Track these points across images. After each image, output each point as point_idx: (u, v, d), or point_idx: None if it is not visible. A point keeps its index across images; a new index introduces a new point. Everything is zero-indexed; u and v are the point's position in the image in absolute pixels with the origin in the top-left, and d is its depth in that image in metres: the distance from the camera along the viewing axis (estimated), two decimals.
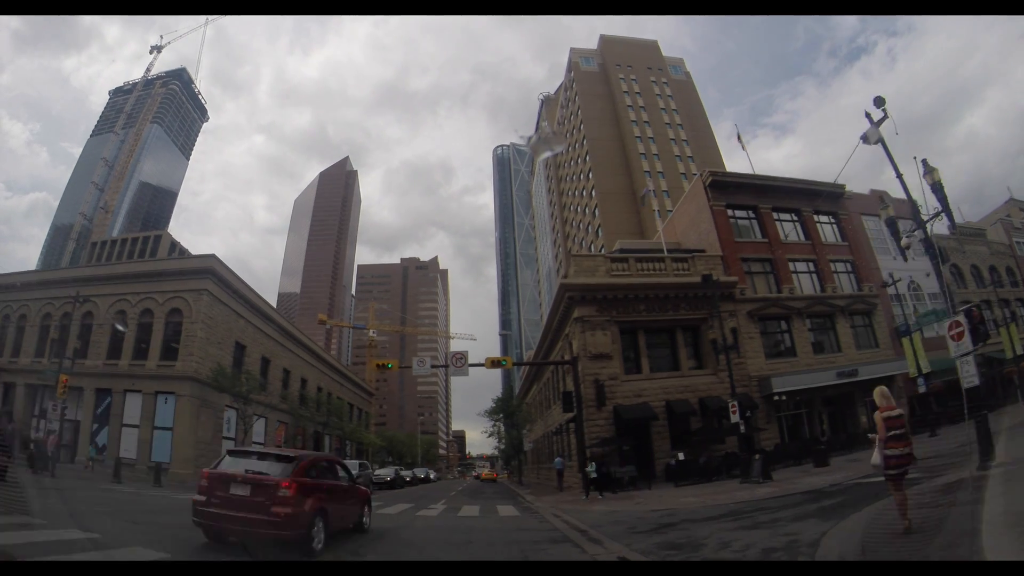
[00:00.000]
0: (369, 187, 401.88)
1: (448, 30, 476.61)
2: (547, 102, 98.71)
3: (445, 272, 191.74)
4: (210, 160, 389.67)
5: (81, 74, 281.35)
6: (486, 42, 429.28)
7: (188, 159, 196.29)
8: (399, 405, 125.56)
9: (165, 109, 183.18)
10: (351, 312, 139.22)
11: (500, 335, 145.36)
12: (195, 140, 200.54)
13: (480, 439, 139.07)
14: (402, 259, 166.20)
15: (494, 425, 40.91)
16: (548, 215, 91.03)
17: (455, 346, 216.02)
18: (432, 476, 52.85)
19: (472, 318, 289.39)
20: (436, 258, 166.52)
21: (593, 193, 65.23)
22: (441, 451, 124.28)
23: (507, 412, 37.59)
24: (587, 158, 68.69)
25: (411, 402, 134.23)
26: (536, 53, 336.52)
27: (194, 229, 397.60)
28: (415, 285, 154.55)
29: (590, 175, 66.77)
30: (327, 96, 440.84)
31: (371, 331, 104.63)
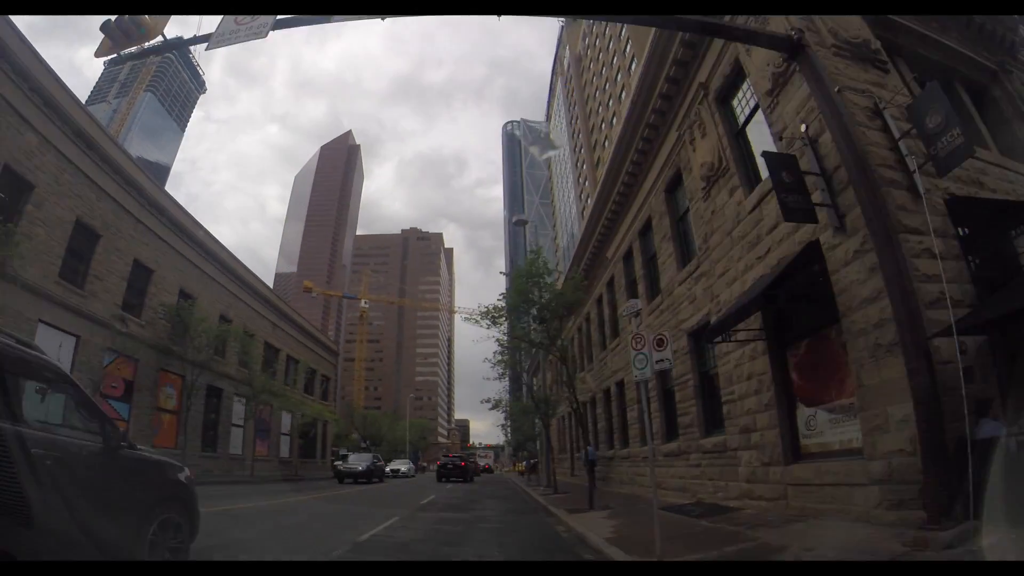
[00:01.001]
0: (382, 179, 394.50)
1: (465, 24, 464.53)
2: (568, 25, 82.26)
3: (451, 251, 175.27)
4: (223, 150, 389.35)
5: (95, 64, 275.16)
6: (504, 37, 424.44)
7: (184, 130, 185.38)
8: (395, 390, 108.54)
9: (160, 78, 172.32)
10: (348, 290, 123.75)
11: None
12: (191, 111, 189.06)
13: (486, 430, 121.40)
14: (403, 230, 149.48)
15: (499, 361, 20.17)
16: (571, 150, 73.47)
17: (459, 322, 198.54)
18: (405, 469, 33.88)
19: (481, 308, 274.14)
20: (441, 235, 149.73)
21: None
22: (441, 439, 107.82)
23: (545, 309, 16.05)
24: (626, 50, 51.50)
25: (407, 388, 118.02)
26: (553, 48, 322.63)
27: (203, 218, 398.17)
28: (416, 257, 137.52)
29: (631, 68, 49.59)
30: (343, 88, 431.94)
31: (363, 301, 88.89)
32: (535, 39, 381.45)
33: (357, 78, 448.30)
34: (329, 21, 7.23)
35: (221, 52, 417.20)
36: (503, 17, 6.62)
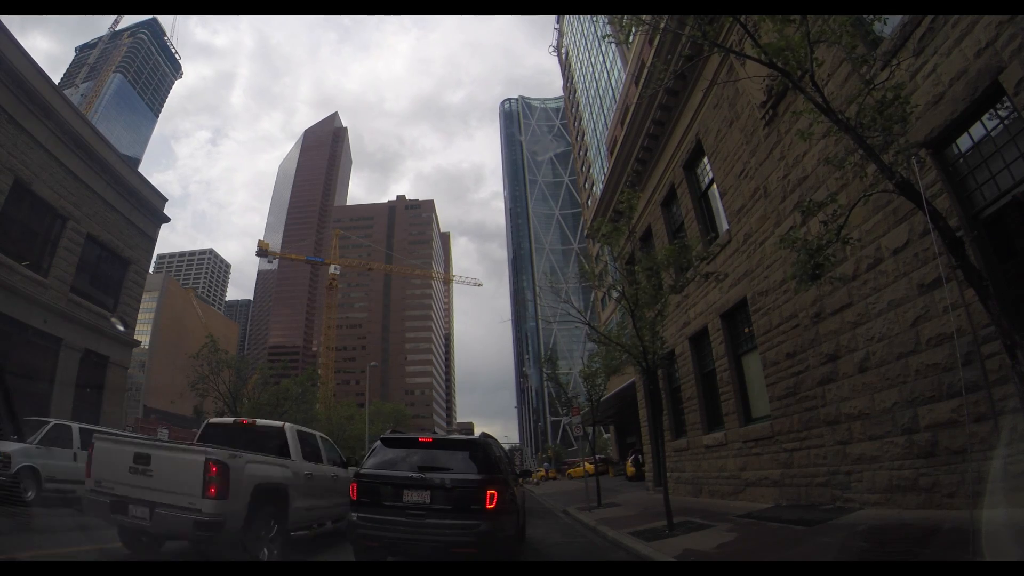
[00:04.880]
0: (397, 195, 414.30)
1: (484, 47, 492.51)
2: None
3: (447, 236, 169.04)
4: (240, 169, 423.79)
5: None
6: (524, 59, 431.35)
7: (157, 115, 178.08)
8: (380, 383, 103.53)
9: (131, 59, 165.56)
10: (340, 290, 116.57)
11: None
12: (165, 96, 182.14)
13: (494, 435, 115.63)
14: (389, 201, 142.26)
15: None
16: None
17: (457, 292, 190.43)
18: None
19: (491, 318, 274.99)
20: (432, 201, 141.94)
21: None
22: None
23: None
24: None
25: (397, 384, 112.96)
26: None
27: (214, 235, 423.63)
28: (404, 227, 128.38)
29: None
30: (366, 108, 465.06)
31: (333, 267, 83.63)
32: (551, 59, 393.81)
33: (378, 98, 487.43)
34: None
35: (244, 73, 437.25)
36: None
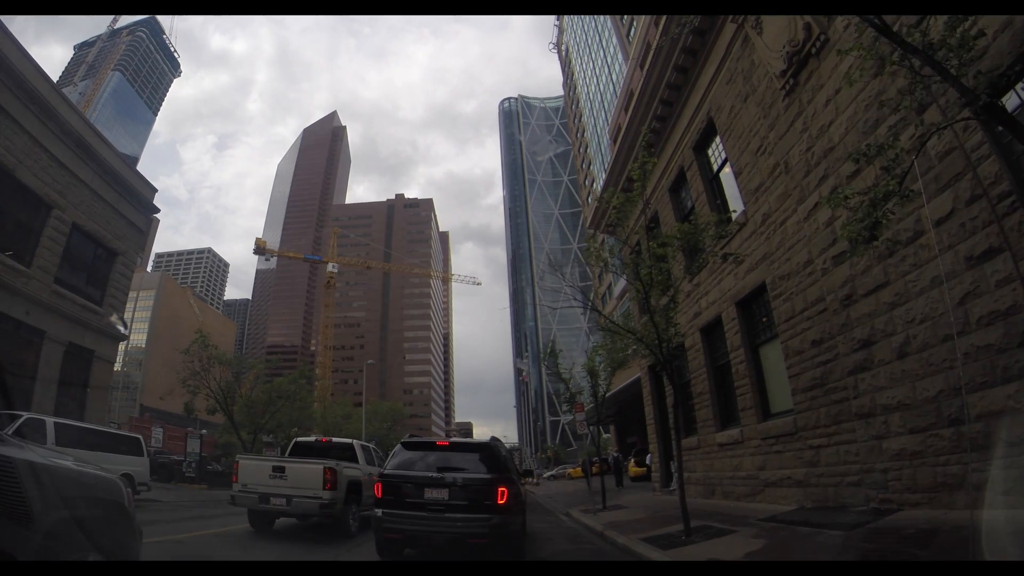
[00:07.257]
0: (396, 194, 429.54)
1: (498, 57, 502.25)
2: None
3: (446, 235, 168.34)
4: (252, 174, 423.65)
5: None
6: (539, 71, 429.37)
7: (155, 115, 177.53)
8: (378, 382, 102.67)
9: (130, 57, 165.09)
10: (338, 289, 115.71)
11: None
12: (164, 95, 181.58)
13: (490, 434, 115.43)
14: (388, 200, 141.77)
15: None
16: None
17: (456, 291, 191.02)
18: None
19: (495, 321, 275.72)
20: (431, 200, 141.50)
21: None
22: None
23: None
24: None
25: (395, 382, 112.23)
26: None
27: (220, 238, 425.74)
28: (403, 226, 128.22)
29: None
30: (380, 114, 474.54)
31: (330, 265, 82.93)
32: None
33: (395, 106, 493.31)
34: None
35: (261, 79, 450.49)
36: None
